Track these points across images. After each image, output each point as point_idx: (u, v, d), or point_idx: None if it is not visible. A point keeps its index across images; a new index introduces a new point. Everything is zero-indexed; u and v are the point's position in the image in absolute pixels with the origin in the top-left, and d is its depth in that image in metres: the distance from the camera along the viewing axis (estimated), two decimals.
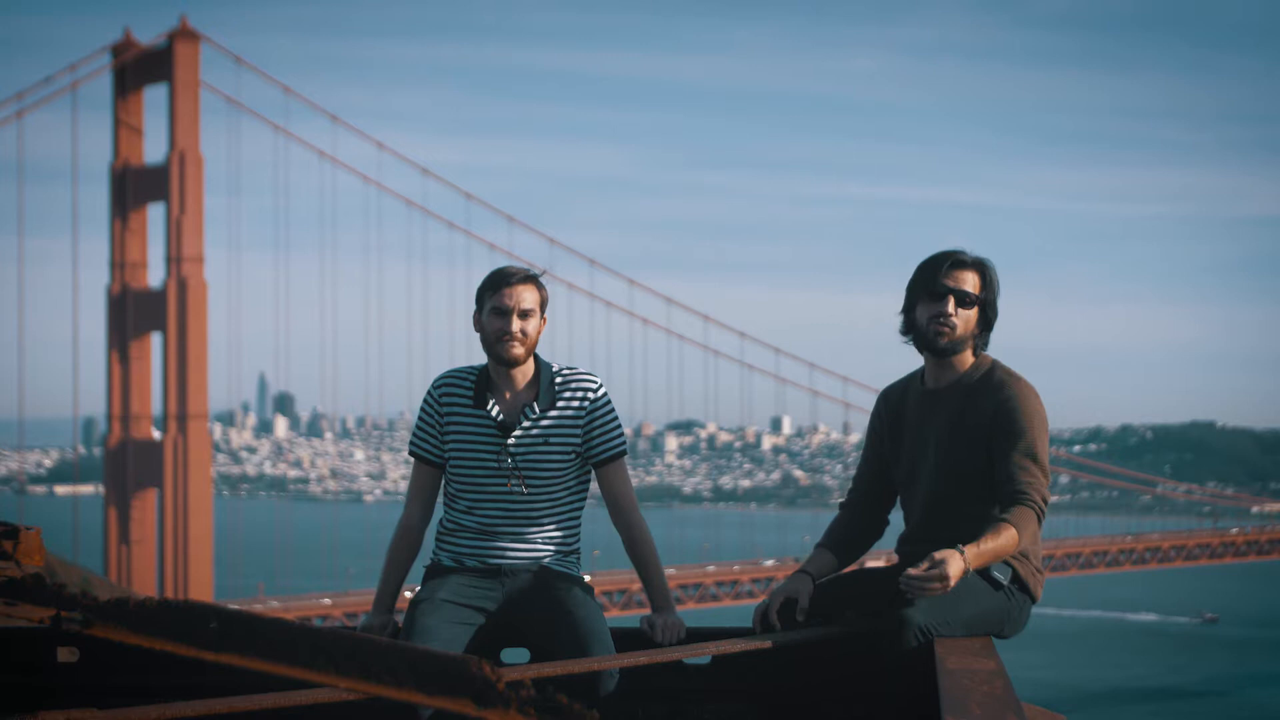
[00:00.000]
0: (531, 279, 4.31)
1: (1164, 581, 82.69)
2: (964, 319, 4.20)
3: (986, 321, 4.25)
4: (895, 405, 4.37)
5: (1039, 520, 4.04)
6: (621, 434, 4.40)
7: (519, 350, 4.27)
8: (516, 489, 4.29)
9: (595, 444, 4.34)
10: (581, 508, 4.41)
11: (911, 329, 4.26)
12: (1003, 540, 3.96)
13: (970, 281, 4.22)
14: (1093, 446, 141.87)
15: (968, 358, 4.25)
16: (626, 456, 4.42)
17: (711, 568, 60.77)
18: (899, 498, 4.40)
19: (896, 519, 4.49)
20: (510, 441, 4.29)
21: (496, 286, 4.29)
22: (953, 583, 3.86)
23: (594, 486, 4.43)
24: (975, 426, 4.14)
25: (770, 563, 60.68)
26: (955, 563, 3.86)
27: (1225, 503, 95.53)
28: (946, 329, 4.19)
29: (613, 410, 4.37)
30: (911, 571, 3.87)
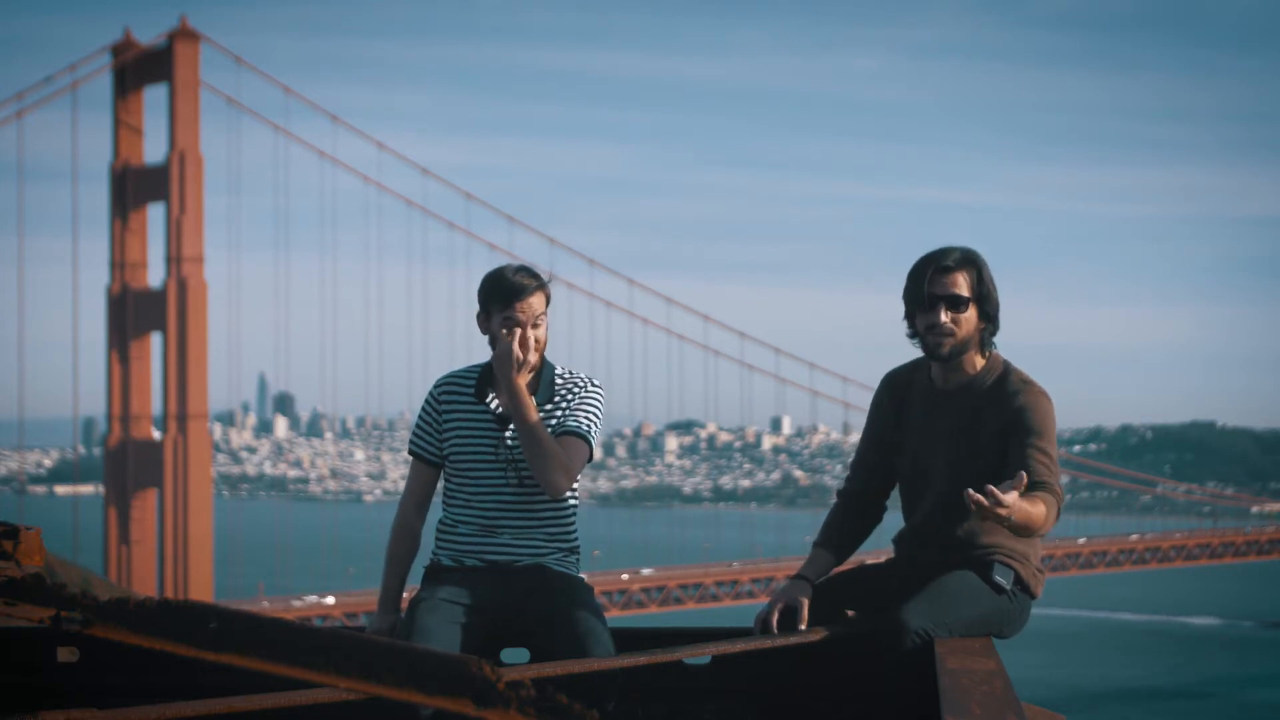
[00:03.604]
0: (540, 288, 4.31)
1: (1163, 581, 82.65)
2: (962, 322, 4.09)
3: (987, 315, 4.13)
4: (900, 394, 4.28)
5: (1058, 512, 3.91)
6: (587, 419, 4.31)
7: (534, 359, 4.28)
8: (513, 480, 4.29)
9: (564, 419, 4.30)
10: (576, 506, 4.41)
11: (915, 335, 4.17)
12: (1037, 510, 3.78)
13: (960, 283, 4.10)
14: (1093, 446, 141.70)
15: (976, 358, 4.15)
16: (588, 446, 4.31)
17: (704, 568, 60.69)
18: (899, 491, 4.34)
19: (889, 517, 4.46)
20: (508, 434, 4.30)
21: (508, 300, 4.25)
22: (1006, 512, 3.65)
23: (593, 486, 4.43)
24: (990, 431, 4.06)
25: (770, 563, 60.65)
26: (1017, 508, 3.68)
27: (1225, 503, 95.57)
28: (945, 338, 4.10)
29: (594, 401, 4.33)
30: (983, 501, 3.63)
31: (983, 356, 4.16)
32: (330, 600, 54.44)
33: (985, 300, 4.12)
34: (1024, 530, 3.82)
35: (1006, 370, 4.14)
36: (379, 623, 4.33)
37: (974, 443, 4.09)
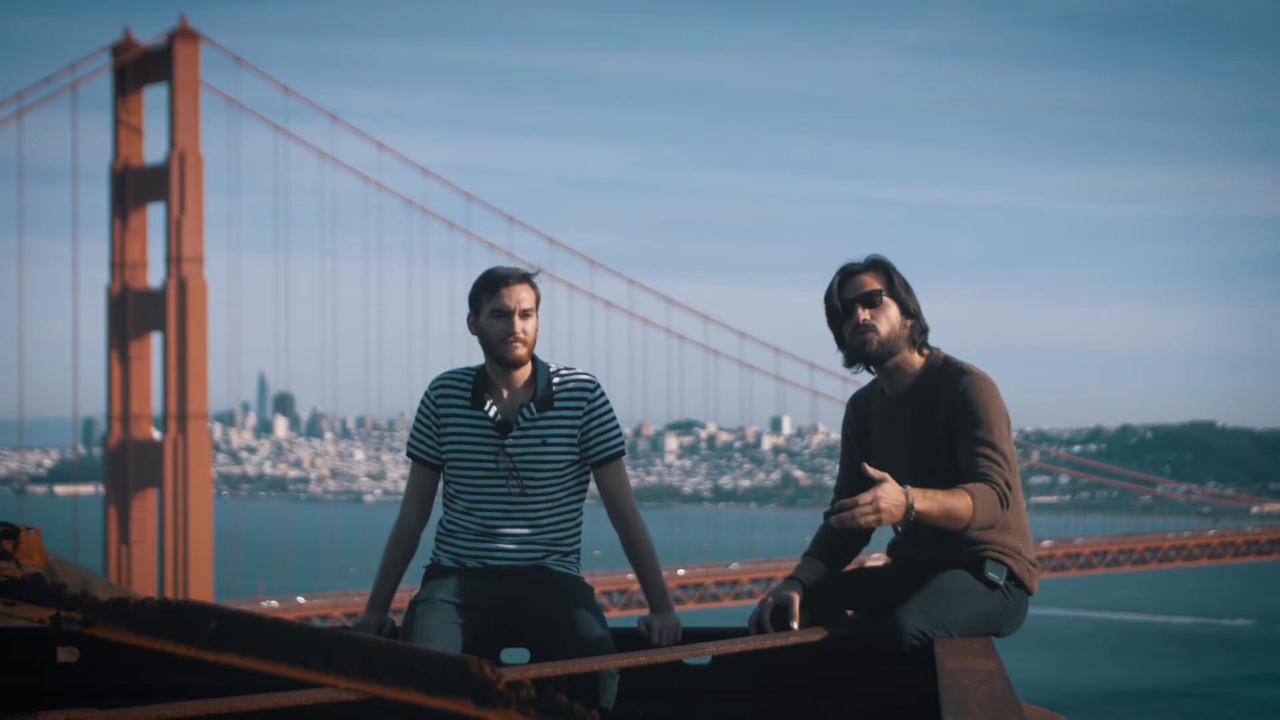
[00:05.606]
0: (526, 278, 4.32)
1: (1164, 581, 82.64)
2: (884, 319, 4.17)
3: (908, 312, 4.19)
4: (862, 413, 4.36)
5: (1001, 502, 3.98)
6: (619, 434, 4.39)
7: (523, 351, 4.28)
8: (514, 489, 4.29)
9: (593, 444, 4.34)
10: (581, 508, 4.41)
11: (847, 352, 4.23)
12: (955, 500, 3.90)
13: (869, 281, 4.19)
14: (1093, 446, 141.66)
15: (914, 359, 4.20)
16: (625, 457, 4.42)
17: (704, 568, 60.69)
18: None
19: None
20: (508, 442, 4.30)
21: (494, 288, 4.29)
22: (885, 517, 3.84)
23: (594, 487, 4.42)
24: (940, 424, 4.12)
25: (770, 563, 60.64)
26: (893, 493, 3.84)
27: (1225, 503, 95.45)
28: (869, 334, 4.16)
29: (610, 410, 4.37)
30: (845, 501, 3.87)
31: (920, 356, 4.22)
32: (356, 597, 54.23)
33: (902, 297, 4.19)
34: (948, 522, 3.93)
35: (946, 363, 4.20)
36: (366, 619, 4.33)
37: (929, 441, 4.14)
